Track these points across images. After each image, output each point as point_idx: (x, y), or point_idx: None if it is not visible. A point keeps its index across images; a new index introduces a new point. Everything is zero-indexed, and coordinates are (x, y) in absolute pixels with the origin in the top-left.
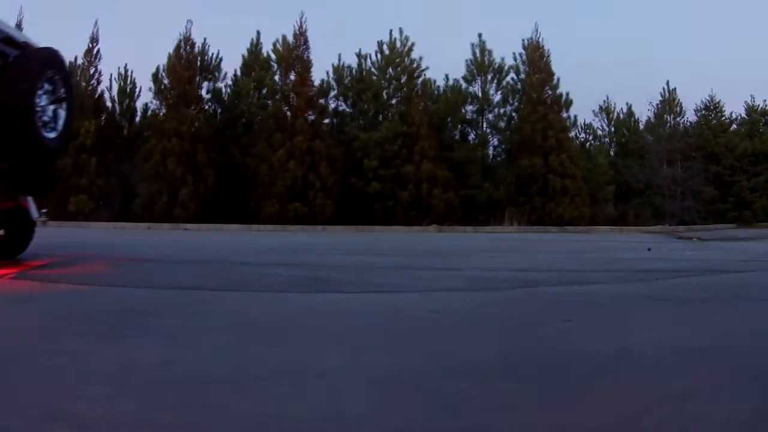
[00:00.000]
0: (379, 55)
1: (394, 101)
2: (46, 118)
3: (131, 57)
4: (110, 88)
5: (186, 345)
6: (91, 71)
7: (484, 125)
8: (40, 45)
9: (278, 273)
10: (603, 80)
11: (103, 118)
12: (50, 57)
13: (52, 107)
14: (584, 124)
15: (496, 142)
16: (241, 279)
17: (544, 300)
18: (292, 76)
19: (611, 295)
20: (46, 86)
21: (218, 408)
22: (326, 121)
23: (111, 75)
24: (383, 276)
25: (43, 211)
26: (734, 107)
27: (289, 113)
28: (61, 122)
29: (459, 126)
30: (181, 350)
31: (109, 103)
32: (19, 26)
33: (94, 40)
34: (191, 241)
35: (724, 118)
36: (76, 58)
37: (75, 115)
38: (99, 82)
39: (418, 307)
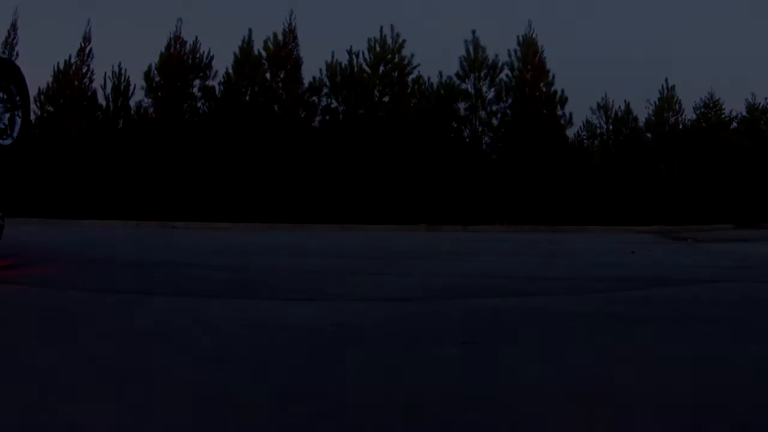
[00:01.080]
0: (370, 53)
1: (386, 99)
2: (1, 126)
3: (127, 56)
4: (104, 86)
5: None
6: (84, 70)
7: (477, 122)
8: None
9: (209, 276)
10: (602, 78)
11: (97, 116)
12: (3, 66)
13: (7, 115)
14: (585, 122)
15: (488, 140)
16: (171, 280)
17: (461, 315)
18: (283, 74)
19: (542, 311)
20: (0, 94)
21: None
22: (318, 118)
23: (105, 73)
24: (312, 282)
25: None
26: (734, 105)
27: (280, 111)
28: (17, 129)
29: (451, 123)
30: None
31: (102, 101)
32: (14, 27)
33: (87, 39)
34: (164, 242)
35: (724, 116)
36: (70, 57)
37: (30, 122)
38: (91, 81)
39: (320, 320)
